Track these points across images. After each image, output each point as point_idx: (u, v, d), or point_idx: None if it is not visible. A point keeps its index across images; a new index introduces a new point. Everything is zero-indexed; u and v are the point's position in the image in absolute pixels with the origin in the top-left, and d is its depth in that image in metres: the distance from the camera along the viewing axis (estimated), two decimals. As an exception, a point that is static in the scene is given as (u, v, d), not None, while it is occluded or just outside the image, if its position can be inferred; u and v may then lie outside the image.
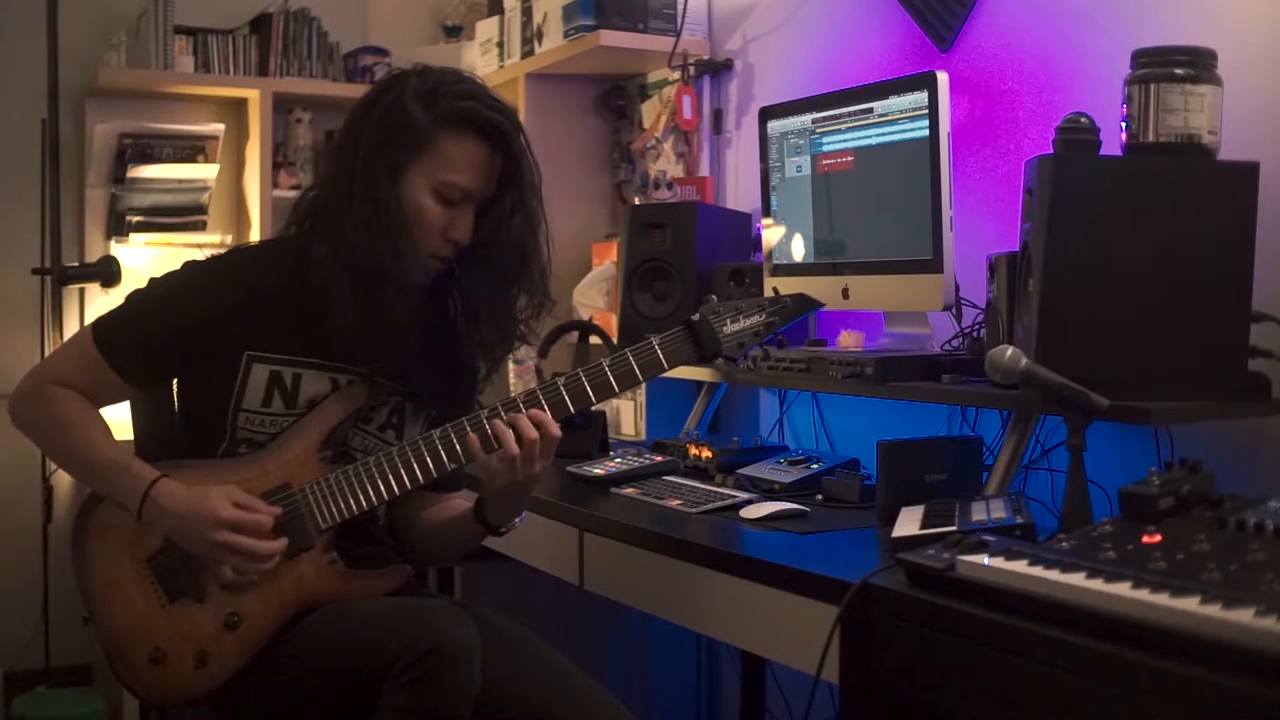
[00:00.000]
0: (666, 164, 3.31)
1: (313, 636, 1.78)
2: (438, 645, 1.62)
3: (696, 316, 1.86)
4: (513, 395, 1.84)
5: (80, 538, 1.86)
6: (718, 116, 3.18)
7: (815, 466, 2.26)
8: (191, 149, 3.97)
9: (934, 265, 2.22)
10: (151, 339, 1.85)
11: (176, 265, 1.91)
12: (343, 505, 1.82)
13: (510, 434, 1.75)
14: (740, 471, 2.31)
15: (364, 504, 1.82)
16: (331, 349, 1.84)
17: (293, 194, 3.86)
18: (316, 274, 1.80)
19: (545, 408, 1.79)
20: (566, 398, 1.81)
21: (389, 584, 1.87)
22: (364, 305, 1.77)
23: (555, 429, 1.77)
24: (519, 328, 1.92)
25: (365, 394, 1.88)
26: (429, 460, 1.81)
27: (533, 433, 1.75)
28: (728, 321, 1.86)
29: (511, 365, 3.08)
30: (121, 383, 1.85)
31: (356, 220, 1.78)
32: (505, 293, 1.88)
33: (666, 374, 1.88)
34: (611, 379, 1.82)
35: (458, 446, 1.81)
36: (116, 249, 3.82)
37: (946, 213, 2.20)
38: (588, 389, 1.82)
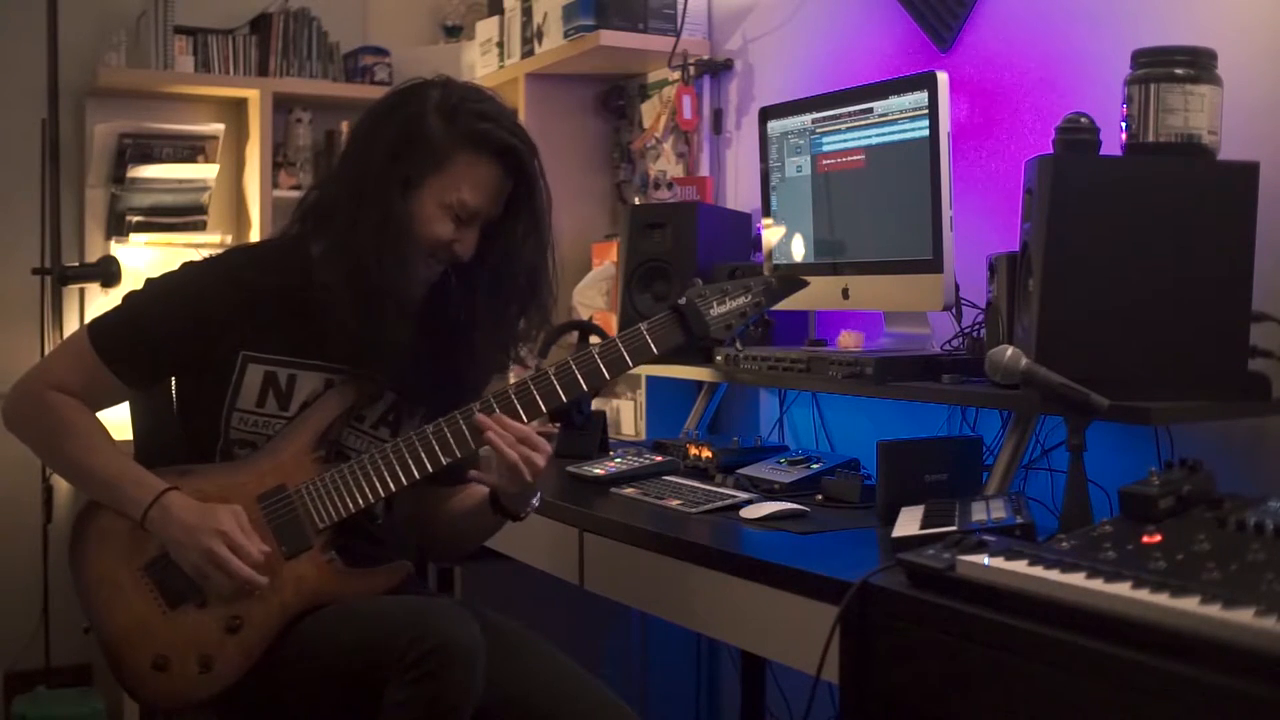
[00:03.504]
0: (666, 164, 3.31)
1: (316, 636, 1.78)
2: (442, 642, 1.62)
3: (683, 300, 1.87)
4: (504, 389, 1.85)
5: (77, 547, 1.84)
6: (718, 116, 3.18)
7: (815, 466, 2.26)
8: (191, 149, 3.97)
9: (934, 265, 2.22)
10: (148, 340, 1.84)
11: (175, 265, 1.91)
12: (339, 504, 1.82)
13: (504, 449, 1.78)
14: (740, 471, 2.31)
15: (360, 502, 1.82)
16: (327, 349, 1.84)
17: (293, 194, 3.88)
18: (318, 273, 1.80)
19: (520, 407, 1.82)
20: (557, 386, 1.83)
21: (389, 581, 1.87)
22: (362, 308, 1.78)
23: (524, 429, 1.79)
24: (514, 349, 1.94)
25: (356, 393, 1.88)
26: (423, 456, 1.81)
27: (513, 458, 1.78)
28: (714, 304, 1.87)
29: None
30: (119, 384, 1.85)
31: (364, 226, 1.78)
32: (507, 313, 1.89)
33: (668, 372, 1.89)
34: (601, 365, 1.84)
35: (452, 442, 1.81)
36: (116, 249, 3.82)
37: (946, 213, 2.20)
38: (578, 376, 1.84)
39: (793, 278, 1.96)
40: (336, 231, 1.81)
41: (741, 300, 1.89)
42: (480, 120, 1.81)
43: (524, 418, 1.83)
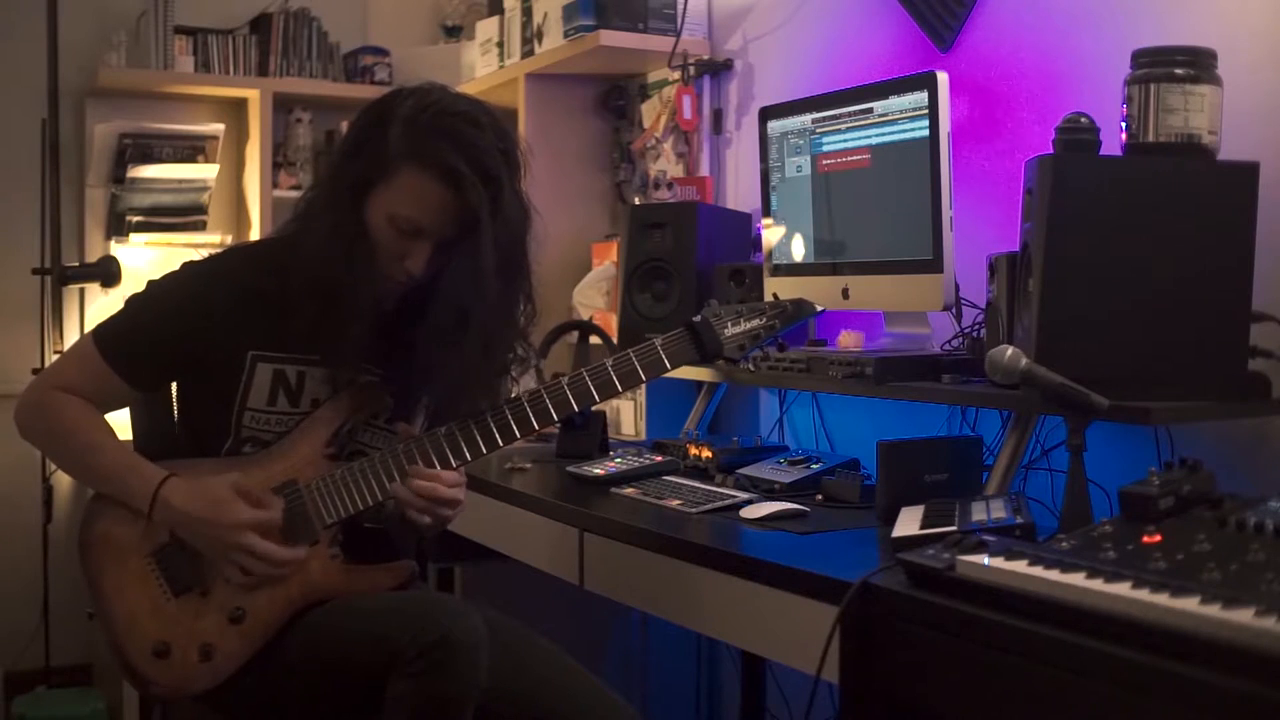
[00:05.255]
0: (666, 164, 3.31)
1: (318, 631, 1.79)
2: (445, 635, 1.63)
3: (698, 318, 1.88)
4: (517, 395, 1.86)
5: (87, 534, 1.86)
6: (718, 116, 3.18)
7: (815, 466, 2.26)
8: (191, 149, 3.97)
9: (934, 265, 2.22)
10: (154, 342, 1.85)
11: (176, 266, 1.91)
12: (346, 501, 1.83)
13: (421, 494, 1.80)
14: (740, 471, 2.31)
15: (368, 499, 1.83)
16: (306, 342, 1.84)
17: (293, 194, 3.88)
18: (292, 270, 1.80)
19: (532, 415, 1.82)
20: (570, 396, 1.84)
21: (392, 579, 1.87)
22: (319, 307, 1.77)
23: (436, 491, 1.80)
24: (463, 382, 1.83)
25: (369, 392, 1.88)
26: (433, 458, 1.82)
27: (425, 516, 1.81)
28: (729, 324, 1.89)
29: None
30: (126, 387, 1.86)
31: (323, 228, 1.79)
32: (440, 348, 1.80)
33: (668, 372, 1.89)
34: (615, 378, 1.85)
35: (463, 445, 1.82)
36: (116, 249, 3.82)
37: (946, 213, 2.20)
38: (591, 388, 1.84)
39: (806, 303, 1.96)
40: (308, 230, 1.82)
41: (756, 323, 1.90)
42: (435, 137, 1.73)
43: (536, 426, 1.85)
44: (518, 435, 1.85)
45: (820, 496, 2.16)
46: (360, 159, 1.78)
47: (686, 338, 1.88)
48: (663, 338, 1.87)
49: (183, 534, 1.80)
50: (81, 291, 3.79)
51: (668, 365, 1.87)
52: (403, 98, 1.80)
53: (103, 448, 1.84)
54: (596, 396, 1.85)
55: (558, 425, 2.73)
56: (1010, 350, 1.75)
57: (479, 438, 1.83)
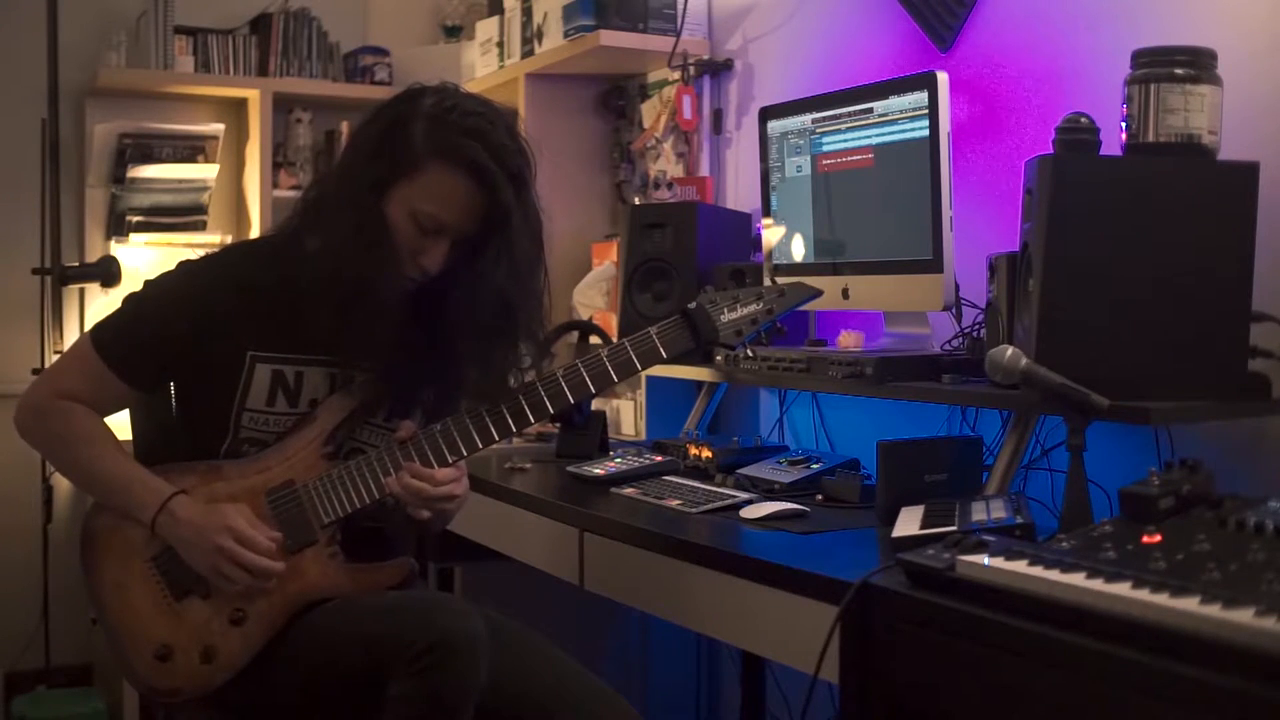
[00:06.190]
0: (666, 164, 3.31)
1: (319, 631, 1.79)
2: (445, 635, 1.63)
3: (693, 305, 1.87)
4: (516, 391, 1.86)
5: (88, 540, 1.86)
6: (718, 116, 3.18)
7: (815, 466, 2.26)
8: (191, 149, 3.97)
9: (934, 265, 2.22)
10: (151, 340, 1.85)
11: (173, 265, 1.91)
12: (344, 500, 1.83)
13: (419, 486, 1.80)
14: (740, 471, 2.31)
15: (365, 498, 1.83)
16: (318, 342, 1.84)
17: (293, 194, 3.88)
18: (301, 267, 1.80)
19: (528, 409, 1.82)
20: (566, 389, 1.83)
21: (391, 577, 1.87)
22: (336, 305, 1.77)
23: (428, 490, 1.80)
24: (493, 371, 1.85)
25: (367, 391, 1.88)
26: (429, 455, 1.82)
27: (423, 511, 1.81)
28: (725, 310, 1.88)
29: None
30: (125, 387, 1.85)
31: (342, 225, 1.78)
32: (480, 336, 1.83)
33: (668, 372, 1.89)
34: (610, 368, 1.84)
35: (459, 440, 1.82)
36: (116, 249, 3.82)
37: (946, 213, 2.20)
38: (586, 379, 1.84)
39: (804, 286, 1.95)
40: (321, 228, 1.81)
41: (753, 307, 1.89)
42: (461, 135, 1.75)
43: (532, 420, 1.84)
44: (514, 430, 1.85)
45: (820, 496, 2.16)
46: (382, 156, 1.77)
47: (682, 325, 1.87)
48: (658, 326, 1.87)
49: (178, 545, 1.79)
50: (81, 291, 3.79)
51: (664, 354, 1.86)
52: (423, 96, 1.80)
53: (108, 460, 1.84)
54: (592, 388, 1.84)
55: (556, 424, 2.74)
56: (1010, 350, 1.75)
57: (475, 433, 1.83)
